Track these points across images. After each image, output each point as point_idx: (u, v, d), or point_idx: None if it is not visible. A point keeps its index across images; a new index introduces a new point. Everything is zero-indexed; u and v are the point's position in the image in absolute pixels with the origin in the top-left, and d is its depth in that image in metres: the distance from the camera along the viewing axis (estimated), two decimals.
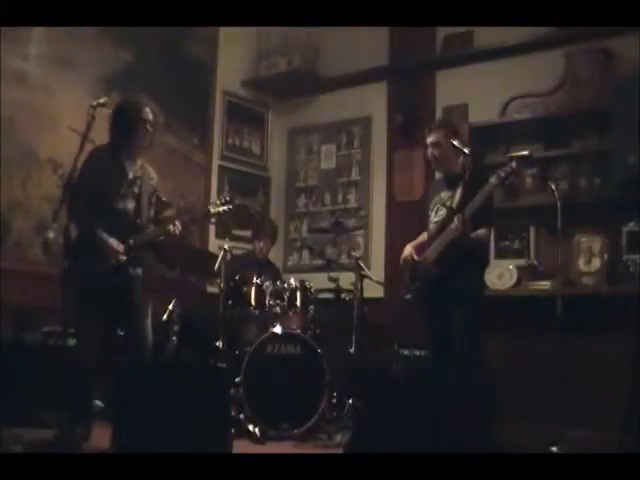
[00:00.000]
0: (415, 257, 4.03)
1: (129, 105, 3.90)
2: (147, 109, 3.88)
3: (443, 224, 3.88)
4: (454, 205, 3.85)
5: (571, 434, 3.80)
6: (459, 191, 3.85)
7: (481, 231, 3.85)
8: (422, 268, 3.95)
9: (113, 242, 3.70)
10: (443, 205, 3.97)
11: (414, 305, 4.12)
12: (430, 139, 4.05)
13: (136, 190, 3.84)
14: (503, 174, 3.76)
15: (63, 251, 3.64)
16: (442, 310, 3.86)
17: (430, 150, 4.06)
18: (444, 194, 4.01)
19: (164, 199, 4.08)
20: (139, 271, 3.85)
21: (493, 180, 3.77)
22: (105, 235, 3.69)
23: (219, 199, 4.17)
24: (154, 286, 4.04)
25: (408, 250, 4.12)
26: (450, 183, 4.00)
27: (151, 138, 3.91)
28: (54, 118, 4.93)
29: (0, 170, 4.65)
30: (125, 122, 3.82)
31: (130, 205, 3.82)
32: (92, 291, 3.71)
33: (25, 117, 4.83)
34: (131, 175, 3.86)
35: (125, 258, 3.72)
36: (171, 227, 3.82)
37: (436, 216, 4.01)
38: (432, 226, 4.03)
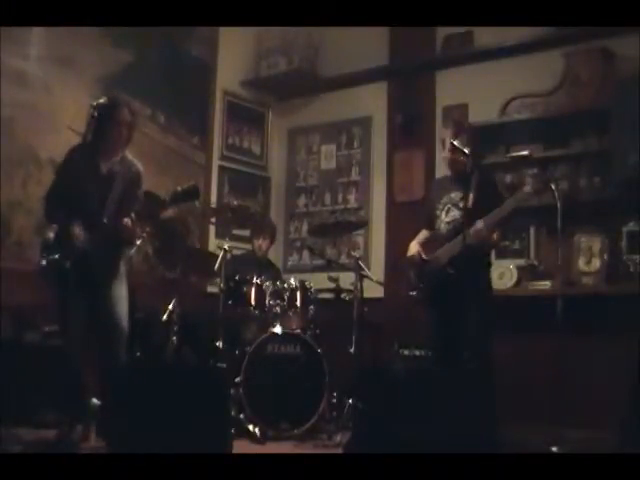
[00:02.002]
0: (423, 256, 4.01)
1: (105, 106, 3.79)
2: (125, 110, 3.81)
3: (459, 225, 3.88)
4: (469, 206, 3.85)
5: (571, 434, 3.79)
6: (472, 193, 3.87)
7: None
8: (432, 267, 3.93)
9: (74, 228, 3.65)
10: (454, 205, 3.98)
11: (420, 304, 4.12)
12: (447, 140, 4.03)
13: (107, 189, 3.75)
14: (535, 187, 3.77)
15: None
16: (453, 310, 3.86)
17: (450, 154, 4.04)
18: (454, 194, 4.01)
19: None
20: (106, 269, 3.77)
21: (526, 191, 3.78)
22: (70, 224, 3.66)
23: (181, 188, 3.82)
24: (139, 285, 3.99)
25: (415, 248, 4.11)
26: (460, 183, 3.99)
27: (128, 137, 3.84)
28: (54, 118, 4.93)
29: (0, 170, 4.65)
30: (100, 123, 3.75)
31: (95, 206, 3.73)
32: (64, 286, 3.66)
33: (25, 117, 4.82)
34: (105, 172, 3.79)
35: (82, 240, 3.65)
36: (124, 222, 3.66)
37: (447, 216, 4.02)
38: (443, 226, 4.03)
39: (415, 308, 4.41)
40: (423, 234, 4.20)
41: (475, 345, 3.79)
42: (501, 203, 3.89)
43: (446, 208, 4.03)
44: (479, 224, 3.76)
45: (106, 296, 3.75)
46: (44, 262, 3.70)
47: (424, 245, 4.09)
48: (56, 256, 3.65)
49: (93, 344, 3.80)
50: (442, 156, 4.12)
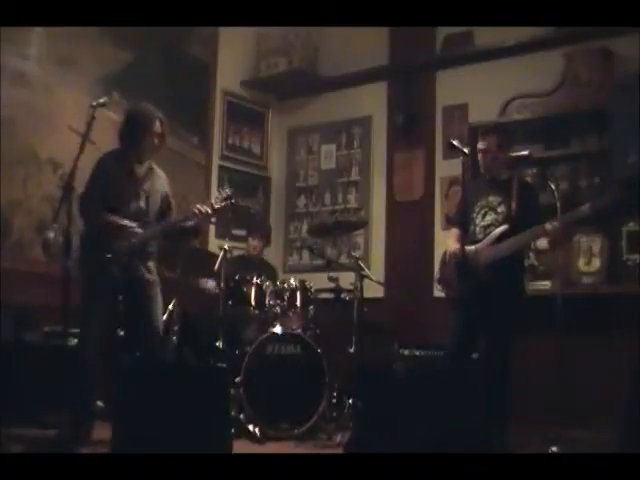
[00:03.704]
0: (465, 254, 3.99)
1: (141, 115, 3.96)
2: (157, 123, 3.96)
3: (507, 232, 3.89)
4: (513, 213, 3.89)
5: (571, 434, 3.80)
6: (514, 199, 3.90)
7: None
8: (474, 267, 3.92)
9: (127, 222, 3.81)
10: (491, 209, 3.98)
11: (448, 300, 4.11)
12: (480, 145, 4.05)
13: (145, 189, 3.94)
14: (599, 205, 3.80)
15: (63, 251, 3.67)
16: (484, 311, 3.86)
17: (480, 156, 4.05)
18: (492, 198, 4.01)
19: (172, 203, 4.13)
20: (148, 271, 3.92)
21: (586, 209, 3.80)
22: (118, 219, 3.80)
23: (220, 193, 4.13)
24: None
25: (455, 245, 4.06)
26: (498, 187, 4.00)
27: (158, 147, 4.02)
28: (54, 118, 4.93)
29: (0, 170, 4.65)
30: (136, 132, 3.91)
31: (140, 205, 3.91)
32: (100, 288, 3.77)
33: (25, 117, 4.82)
34: (140, 175, 3.95)
35: (136, 242, 3.82)
36: (196, 210, 3.89)
37: (483, 220, 4.01)
38: (478, 229, 4.02)
39: (417, 308, 4.42)
40: (456, 233, 4.17)
41: (496, 347, 3.84)
42: (540, 211, 3.95)
43: (482, 212, 4.02)
44: (552, 224, 3.78)
45: (140, 298, 3.88)
46: (70, 264, 3.72)
47: (462, 244, 4.07)
48: (94, 256, 3.74)
49: (107, 346, 3.88)
50: (479, 159, 4.10)
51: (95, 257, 3.75)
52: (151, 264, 3.97)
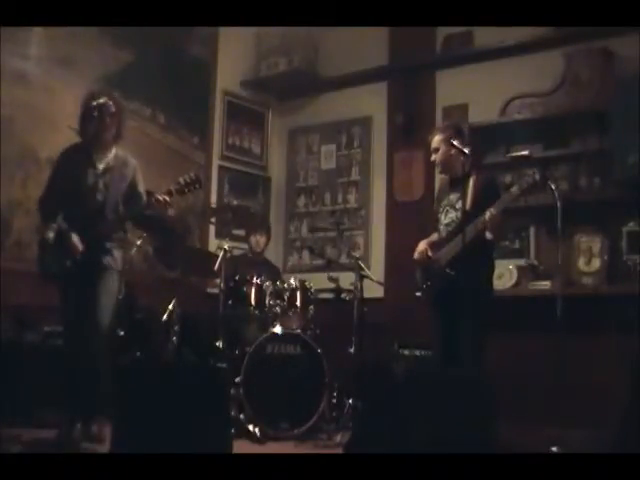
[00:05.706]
0: (430, 254, 4.01)
1: (91, 100, 3.81)
2: (110, 102, 3.79)
3: (458, 226, 3.87)
4: (467, 207, 3.85)
5: (571, 434, 3.80)
6: (469, 193, 3.87)
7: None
8: (436, 268, 3.94)
9: (74, 238, 3.69)
10: (452, 207, 3.98)
11: (424, 303, 4.11)
12: (432, 145, 4.07)
13: (106, 181, 3.80)
14: (525, 185, 3.74)
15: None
16: (453, 310, 3.86)
17: (432, 155, 4.07)
18: (452, 196, 4.01)
19: (140, 190, 3.93)
20: (113, 259, 3.83)
21: (515, 190, 3.75)
22: (68, 230, 3.70)
23: (182, 179, 3.88)
24: (134, 279, 4.01)
25: (423, 246, 4.09)
26: (457, 185, 3.99)
27: (117, 129, 3.84)
28: (54, 118, 4.93)
29: (0, 170, 4.65)
30: (88, 118, 3.78)
31: (98, 197, 3.79)
32: (63, 287, 3.74)
33: (25, 117, 4.83)
34: (101, 168, 3.83)
35: (81, 251, 3.68)
36: (153, 199, 3.72)
37: (446, 218, 4.02)
38: (442, 228, 4.03)
39: (417, 308, 4.43)
40: (433, 235, 4.19)
41: (469, 346, 3.80)
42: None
43: (445, 210, 4.04)
44: (491, 212, 3.72)
45: (95, 292, 3.76)
46: (42, 264, 3.72)
47: (431, 246, 4.09)
48: (51, 257, 3.67)
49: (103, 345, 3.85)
50: (431, 159, 4.12)
51: (51, 257, 3.70)
52: (117, 253, 3.84)
